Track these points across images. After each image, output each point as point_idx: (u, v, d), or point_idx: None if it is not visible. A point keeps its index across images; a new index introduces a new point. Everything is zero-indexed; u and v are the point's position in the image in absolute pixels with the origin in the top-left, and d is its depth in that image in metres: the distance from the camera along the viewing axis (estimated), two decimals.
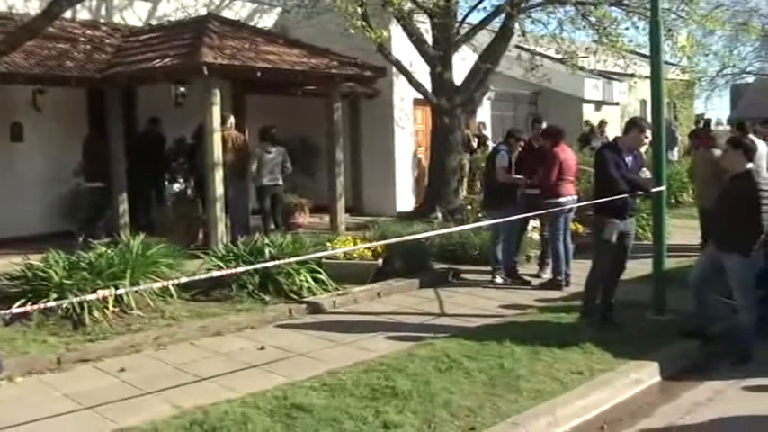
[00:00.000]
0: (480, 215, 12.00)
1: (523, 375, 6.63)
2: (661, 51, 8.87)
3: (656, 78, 8.76)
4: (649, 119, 8.83)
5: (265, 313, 8.64)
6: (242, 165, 12.42)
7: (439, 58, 14.37)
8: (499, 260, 10.63)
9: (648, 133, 8.22)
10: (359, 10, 12.43)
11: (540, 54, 17.16)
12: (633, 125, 8.33)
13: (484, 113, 18.61)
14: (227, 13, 15.89)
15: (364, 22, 12.71)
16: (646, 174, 8.29)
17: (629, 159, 8.18)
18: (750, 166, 7.47)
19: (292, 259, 8.38)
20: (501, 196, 10.38)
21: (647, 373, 7.09)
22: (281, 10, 16.38)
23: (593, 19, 14.35)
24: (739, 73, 35.91)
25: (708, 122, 24.50)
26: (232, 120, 12.62)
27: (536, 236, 11.44)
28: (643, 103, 25.74)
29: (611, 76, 22.47)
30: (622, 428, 6.05)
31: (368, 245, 9.65)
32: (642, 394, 6.80)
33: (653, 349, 7.54)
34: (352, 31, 12.54)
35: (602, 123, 22.56)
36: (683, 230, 14.23)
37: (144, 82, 13.21)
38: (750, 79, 40.02)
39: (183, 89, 14.27)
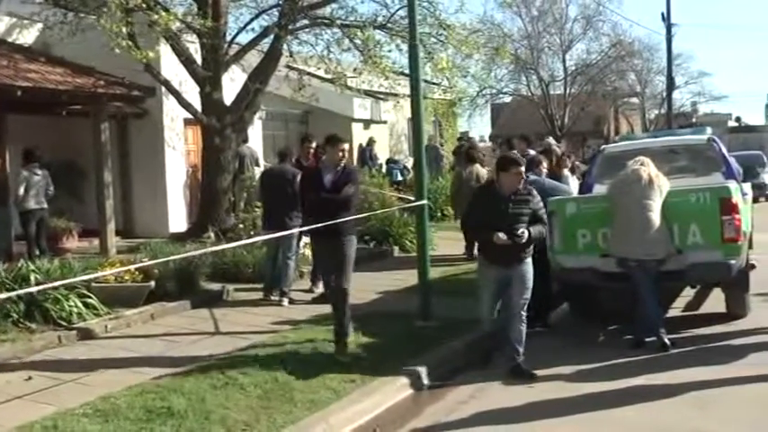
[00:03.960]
0: (253, 233, 12.11)
1: (298, 387, 6.83)
2: (420, 72, 9.42)
3: (415, 97, 9.29)
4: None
5: (33, 342, 8.28)
6: None
7: (208, 79, 14.35)
8: (275, 278, 10.74)
9: (343, 146, 8.22)
10: (124, 30, 12.17)
11: (311, 74, 17.52)
12: (326, 142, 8.39)
13: (255, 133, 18.70)
14: None
15: (130, 42, 12.49)
16: (347, 191, 8.09)
17: (328, 177, 8.10)
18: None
19: (58, 283, 8.09)
20: (290, 215, 10.41)
21: (415, 377, 7.49)
22: (42, 26, 15.72)
23: (358, 41, 14.87)
24: (497, 93, 38.36)
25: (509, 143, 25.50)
26: None
27: (308, 252, 11.66)
28: (410, 121, 26.76)
29: (380, 95, 23.26)
30: (394, 430, 6.39)
31: (137, 265, 9.48)
32: (411, 397, 7.20)
33: (421, 354, 7.98)
34: (118, 51, 12.27)
35: (371, 141, 23.31)
36: (449, 242, 15.01)
37: None
38: (507, 99, 42.75)
39: None
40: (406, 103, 20.78)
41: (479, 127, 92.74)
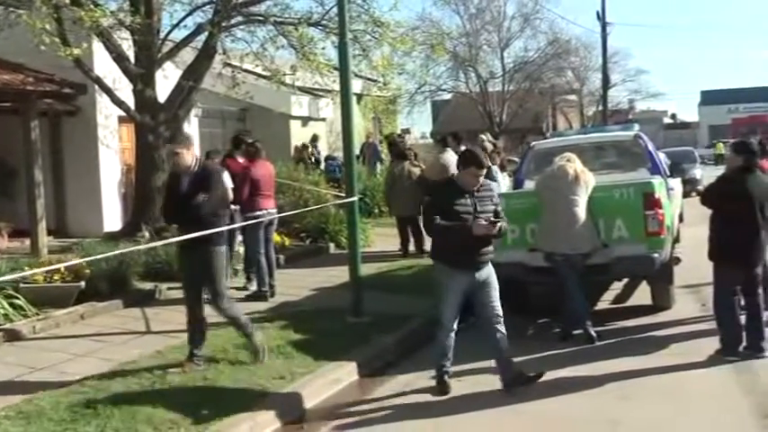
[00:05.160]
0: None
1: (226, 385, 6.84)
2: (350, 69, 9.48)
3: (345, 93, 9.38)
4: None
5: None
6: None
7: (141, 76, 14.17)
8: None
9: (176, 149, 7.43)
10: (48, 27, 11.95)
11: (248, 71, 17.40)
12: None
13: (192, 131, 18.50)
14: None
15: (56, 38, 12.27)
16: (197, 200, 7.35)
17: (185, 182, 7.42)
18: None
19: None
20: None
21: (345, 373, 7.55)
22: None
23: (293, 39, 14.83)
24: (436, 90, 38.57)
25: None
26: None
27: (242, 250, 11.64)
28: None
29: (319, 92, 23.21)
30: (320, 426, 6.43)
31: (66, 264, 9.33)
32: (341, 392, 7.24)
33: (351, 350, 8.03)
34: (42, 48, 12.06)
35: (316, 138, 23.26)
36: (385, 238, 15.12)
37: None
38: (447, 96, 43.03)
39: None
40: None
41: (420, 124, 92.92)
